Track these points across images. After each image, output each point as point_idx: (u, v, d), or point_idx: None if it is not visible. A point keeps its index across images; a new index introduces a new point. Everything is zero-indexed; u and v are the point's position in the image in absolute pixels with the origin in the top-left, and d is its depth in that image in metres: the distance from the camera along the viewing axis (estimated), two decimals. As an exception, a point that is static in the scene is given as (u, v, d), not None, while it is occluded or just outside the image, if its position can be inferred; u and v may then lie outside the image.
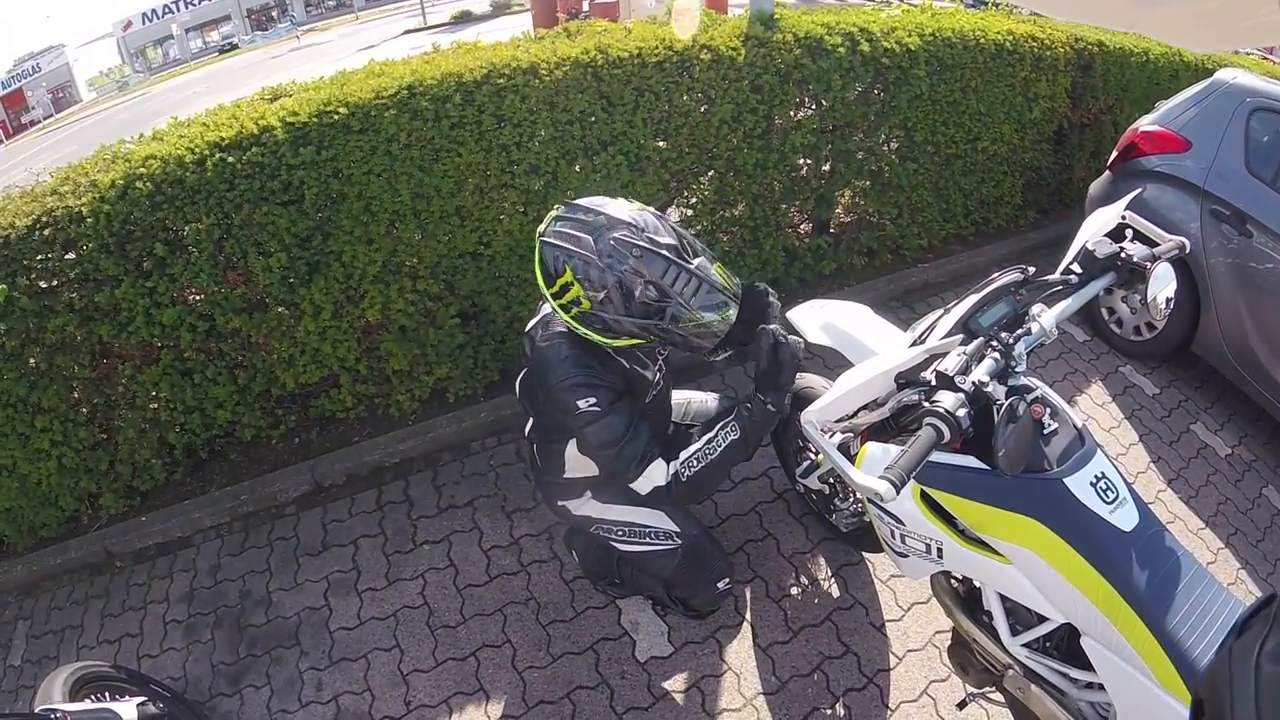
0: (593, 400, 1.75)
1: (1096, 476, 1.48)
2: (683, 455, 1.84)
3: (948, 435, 1.27)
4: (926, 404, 1.34)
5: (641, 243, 1.62)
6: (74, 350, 2.63)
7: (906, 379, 1.54)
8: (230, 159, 2.50)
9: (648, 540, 2.10)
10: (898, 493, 1.18)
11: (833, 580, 2.48)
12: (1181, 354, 3.49)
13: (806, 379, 2.30)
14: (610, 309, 1.64)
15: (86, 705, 1.87)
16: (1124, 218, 1.82)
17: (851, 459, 1.73)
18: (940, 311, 1.71)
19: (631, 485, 1.85)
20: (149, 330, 2.63)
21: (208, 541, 2.88)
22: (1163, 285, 1.70)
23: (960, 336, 1.57)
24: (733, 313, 1.70)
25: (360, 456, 3.03)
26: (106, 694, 2.01)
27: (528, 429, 2.17)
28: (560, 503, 2.18)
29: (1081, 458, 1.50)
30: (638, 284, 1.61)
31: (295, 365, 2.87)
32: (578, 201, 1.71)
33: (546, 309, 1.92)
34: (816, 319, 2.13)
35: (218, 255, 2.61)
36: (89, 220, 2.43)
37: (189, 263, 2.58)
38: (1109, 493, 1.47)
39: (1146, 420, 3.24)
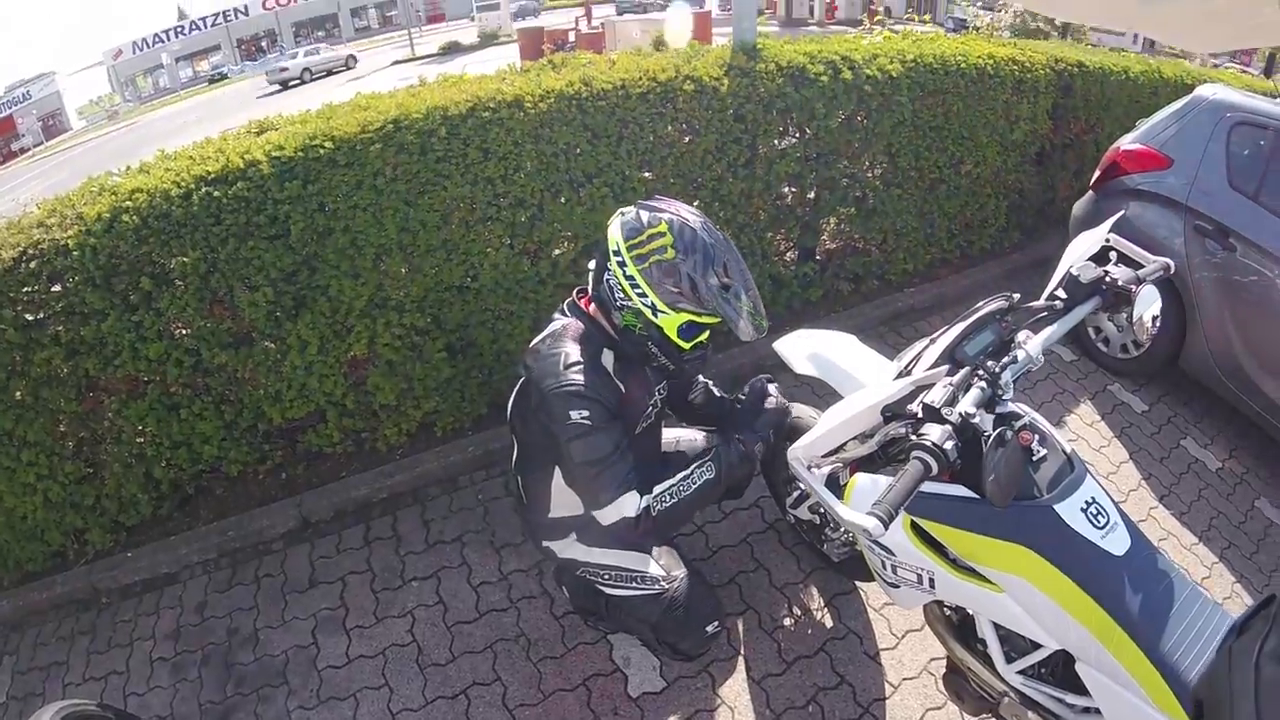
0: (585, 413, 1.74)
1: (1087, 502, 1.48)
2: (656, 489, 1.83)
3: (935, 469, 1.27)
4: (914, 437, 1.33)
5: (722, 235, 1.80)
6: (60, 384, 2.61)
7: (893, 412, 1.53)
8: (216, 193, 2.50)
9: (633, 585, 2.06)
10: (886, 528, 1.17)
11: (826, 610, 2.46)
12: (1169, 370, 3.50)
13: (795, 409, 2.29)
14: (690, 266, 1.73)
15: (71, 746, 1.82)
16: (1108, 240, 1.83)
17: (840, 489, 1.72)
18: (926, 341, 1.71)
19: (598, 513, 1.83)
20: (135, 364, 2.62)
21: (194, 578, 2.84)
22: (1148, 305, 1.71)
23: (946, 367, 1.57)
24: (765, 325, 1.80)
25: (347, 492, 3.00)
26: (91, 735, 1.96)
27: (514, 459, 2.15)
28: (545, 543, 2.16)
29: (1071, 483, 1.50)
30: (720, 258, 1.74)
31: (282, 400, 2.85)
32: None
33: (555, 325, 1.91)
34: (803, 349, 2.14)
35: (204, 289, 2.60)
36: (75, 253, 2.42)
37: (175, 297, 2.57)
38: (1100, 518, 1.47)
39: (1136, 437, 3.25)
